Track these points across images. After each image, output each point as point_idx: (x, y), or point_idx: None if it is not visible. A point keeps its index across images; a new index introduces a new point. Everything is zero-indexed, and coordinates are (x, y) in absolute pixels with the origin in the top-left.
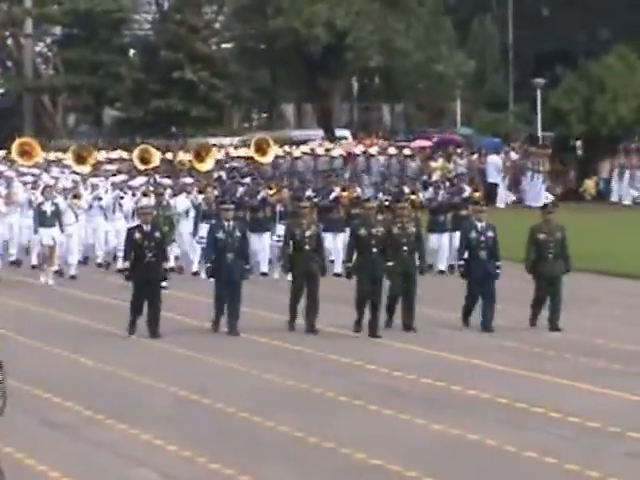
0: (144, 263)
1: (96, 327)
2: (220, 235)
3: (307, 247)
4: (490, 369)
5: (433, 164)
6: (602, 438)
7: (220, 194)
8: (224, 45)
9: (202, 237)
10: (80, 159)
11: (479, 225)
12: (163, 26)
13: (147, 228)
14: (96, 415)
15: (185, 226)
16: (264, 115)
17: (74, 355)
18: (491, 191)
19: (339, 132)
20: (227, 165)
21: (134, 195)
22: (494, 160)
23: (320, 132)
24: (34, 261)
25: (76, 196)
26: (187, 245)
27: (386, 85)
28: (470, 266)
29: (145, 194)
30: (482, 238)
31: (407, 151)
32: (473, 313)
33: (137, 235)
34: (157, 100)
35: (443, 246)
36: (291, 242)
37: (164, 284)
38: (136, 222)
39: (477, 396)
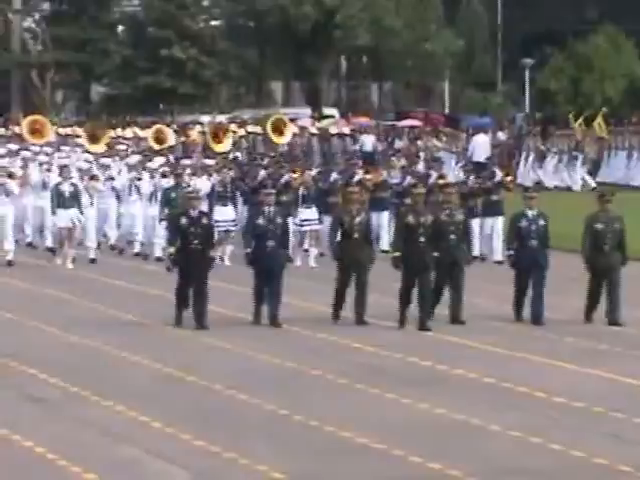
0: (190, 250)
1: (90, 306)
2: (260, 221)
3: (356, 235)
4: (478, 349)
5: (420, 143)
6: (587, 418)
7: (239, 176)
8: (213, 22)
9: (217, 220)
10: (93, 138)
11: (530, 213)
12: (151, 3)
13: (194, 213)
14: (82, 392)
15: (205, 209)
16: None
17: (65, 334)
18: (478, 171)
19: (327, 111)
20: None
21: (152, 177)
22: (481, 139)
23: (308, 110)
24: (49, 243)
25: (93, 177)
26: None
27: (374, 64)
28: (520, 256)
29: (164, 175)
30: (533, 227)
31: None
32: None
33: (183, 221)
34: (145, 77)
35: (475, 233)
36: (340, 229)
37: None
38: (154, 206)
39: (463, 376)
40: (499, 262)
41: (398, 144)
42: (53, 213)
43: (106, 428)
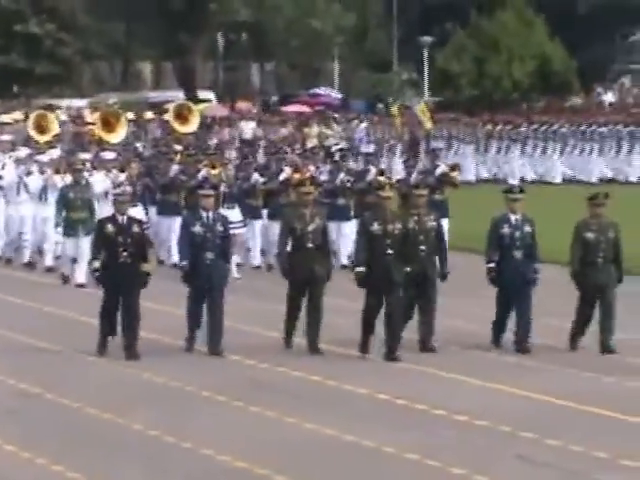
0: (118, 264)
1: None
2: (197, 229)
3: (310, 244)
4: (372, 362)
5: (307, 130)
6: (492, 439)
7: (143, 172)
8: None
9: None
10: None
11: (513, 218)
12: None
13: (122, 220)
14: None
15: (105, 211)
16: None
17: None
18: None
19: (202, 94)
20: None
21: (42, 172)
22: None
23: (180, 94)
24: None
25: None
26: None
27: (255, 42)
28: (502, 269)
29: (57, 171)
30: (517, 234)
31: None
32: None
33: (109, 229)
34: None
35: None
36: (290, 238)
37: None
38: (45, 205)
39: (354, 391)
40: None
41: (282, 132)
42: None
43: None
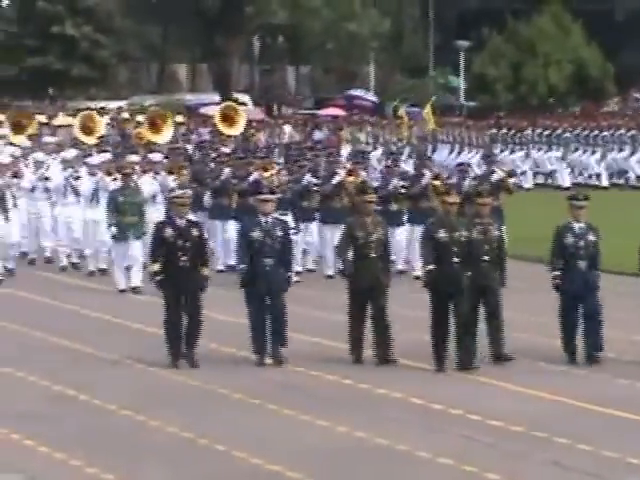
0: (177, 268)
1: None
2: (256, 234)
3: (373, 254)
4: (405, 367)
5: (342, 133)
6: (527, 444)
7: (191, 175)
8: None
9: None
10: (18, 128)
11: (577, 226)
12: None
13: (181, 223)
14: None
15: (152, 214)
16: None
17: None
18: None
19: (237, 97)
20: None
21: (92, 175)
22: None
23: (216, 97)
24: None
25: (16, 175)
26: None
27: (291, 45)
28: (566, 279)
29: (109, 173)
30: (581, 243)
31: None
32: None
33: (168, 232)
34: (33, 57)
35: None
36: (352, 247)
37: None
38: (94, 208)
39: (388, 395)
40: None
41: (318, 135)
42: None
43: None
